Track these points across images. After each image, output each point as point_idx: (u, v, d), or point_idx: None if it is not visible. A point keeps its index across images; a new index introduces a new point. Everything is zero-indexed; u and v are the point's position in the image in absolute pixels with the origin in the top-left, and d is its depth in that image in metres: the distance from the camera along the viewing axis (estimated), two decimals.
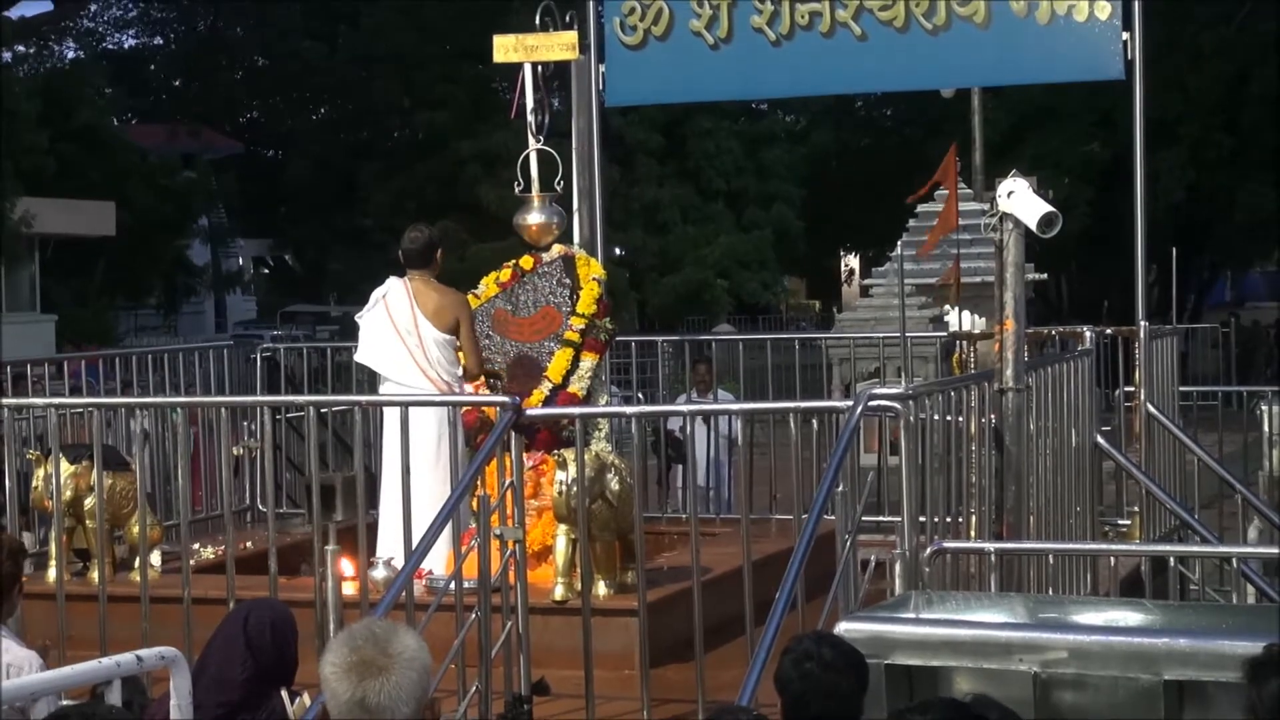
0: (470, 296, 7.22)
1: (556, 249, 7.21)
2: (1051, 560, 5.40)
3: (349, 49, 31.46)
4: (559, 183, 7.19)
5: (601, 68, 7.75)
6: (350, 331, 7.47)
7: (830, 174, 32.28)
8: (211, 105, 35.55)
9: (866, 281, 13.24)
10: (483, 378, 6.87)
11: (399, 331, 6.52)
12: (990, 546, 4.97)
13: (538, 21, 7.18)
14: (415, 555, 5.03)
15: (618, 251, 28.64)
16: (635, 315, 28.53)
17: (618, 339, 7.85)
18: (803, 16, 7.48)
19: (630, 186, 28.98)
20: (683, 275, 29.07)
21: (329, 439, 8.10)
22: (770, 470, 7.99)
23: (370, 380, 7.18)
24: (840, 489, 4.73)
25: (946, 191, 7.53)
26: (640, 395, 10.02)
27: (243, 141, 36.80)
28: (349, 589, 5.47)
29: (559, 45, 7.13)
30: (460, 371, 6.63)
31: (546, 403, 6.70)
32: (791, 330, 30.81)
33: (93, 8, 35.91)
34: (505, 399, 5.41)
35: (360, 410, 5.90)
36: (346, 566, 5.65)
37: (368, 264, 26.98)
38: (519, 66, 7.15)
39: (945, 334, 8.99)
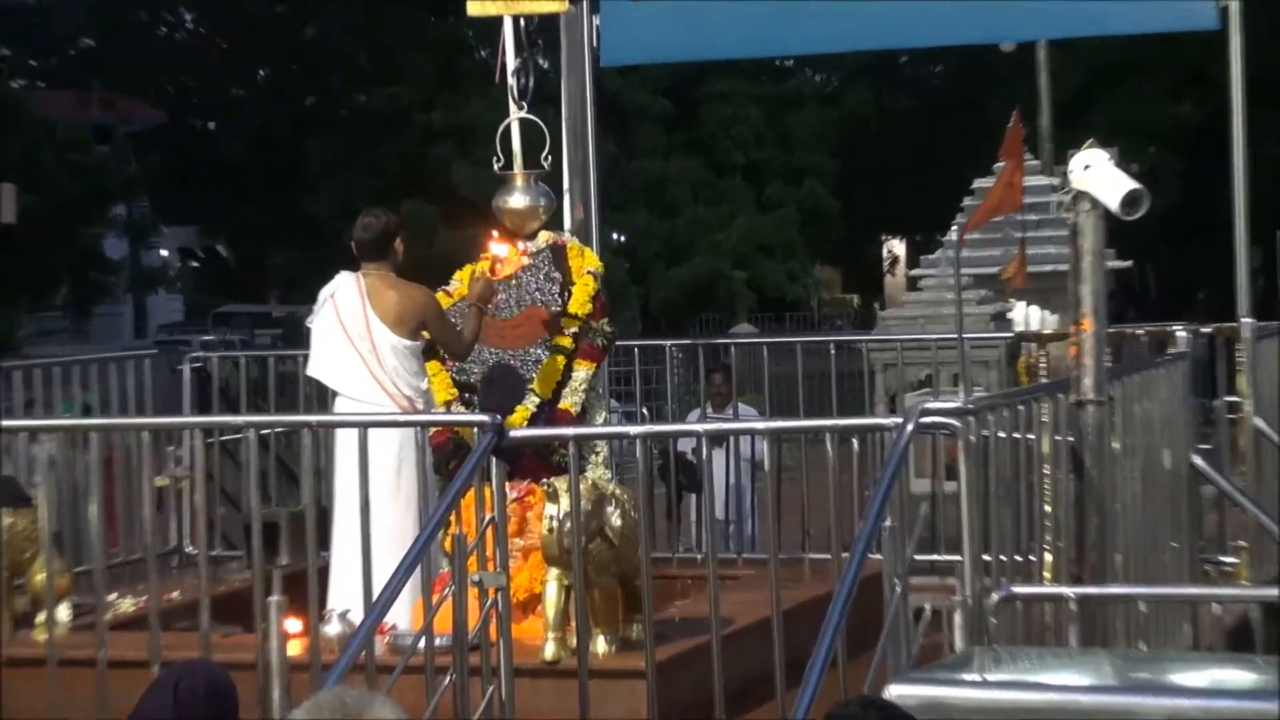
0: (441, 295, 7.18)
1: (544, 237, 7.20)
2: (1143, 608, 5.37)
3: (296, 2, 31.55)
4: (546, 158, 7.18)
5: (595, 21, 7.69)
6: (296, 335, 7.40)
7: (869, 143, 32.33)
8: (130, 68, 35.58)
9: (914, 271, 13.19)
10: (455, 392, 6.86)
11: (350, 337, 6.53)
12: (1069, 591, 4.94)
13: None
14: (377, 607, 5.00)
15: (616, 238, 28.67)
16: (638, 314, 28.58)
17: (618, 344, 7.83)
18: None
19: (631, 160, 29.03)
20: (694, 265, 29.15)
21: (272, 466, 8.07)
22: (802, 500, 7.94)
23: (321, 395, 7.17)
24: (887, 523, 4.71)
25: (1004, 164, 7.51)
26: (645, 411, 9.98)
27: (167, 112, 36.80)
28: (296, 648, 5.45)
29: None
30: (425, 384, 6.61)
31: (533, 421, 6.69)
32: (825, 331, 30.89)
33: None
34: (483, 417, 5.40)
35: (310, 432, 5.88)
36: (293, 622, 5.62)
37: (317, 256, 27.00)
38: (498, 22, 7.11)
39: (1010, 335, 8.97)
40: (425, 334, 6.66)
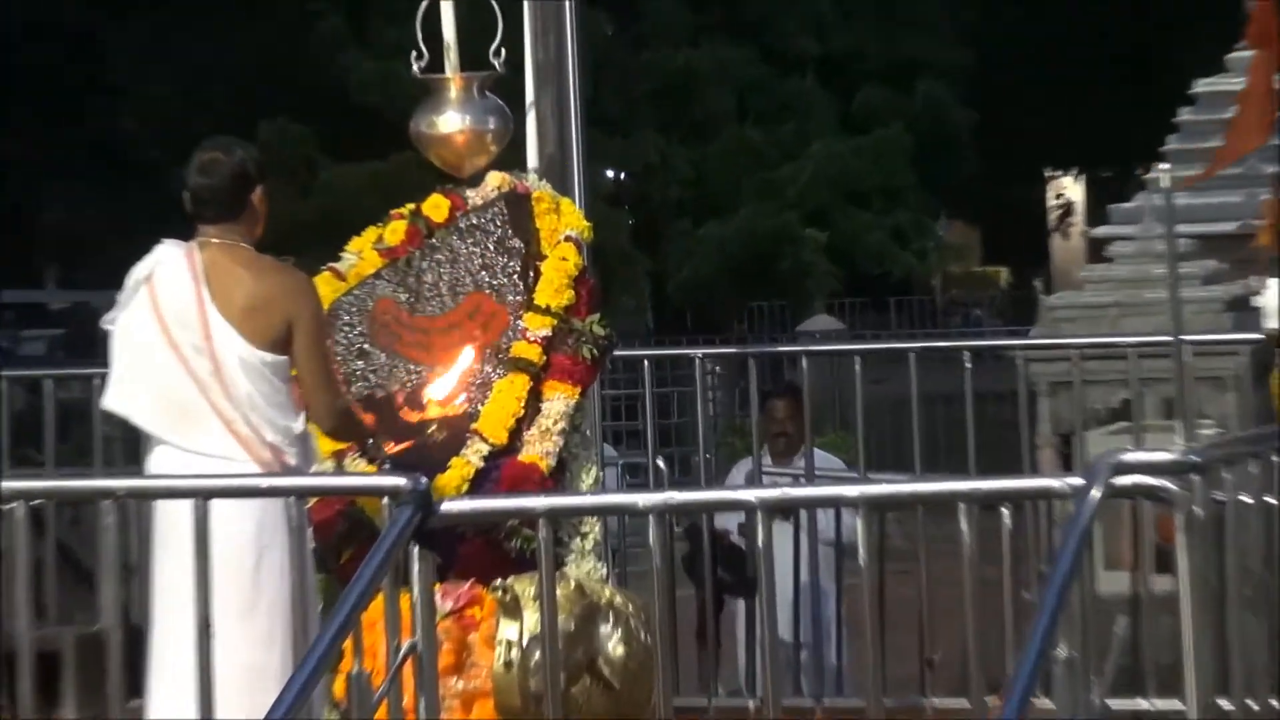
0: (324, 276, 7.24)
1: (494, 181, 7.25)
2: None
3: None
4: (498, 52, 7.23)
5: None
6: (88, 342, 7.43)
7: (1022, 24, 32.24)
8: None
9: (1099, 231, 13.24)
10: (346, 434, 6.85)
11: (176, 347, 6.53)
12: None
13: None
14: None
15: (614, 178, 28.60)
16: (649, 303, 28.54)
17: (616, 354, 7.84)
18: None
19: (637, 51, 29.02)
20: (740, 221, 29.09)
21: (49, 560, 8.08)
22: (920, 609, 7.92)
23: (131, 442, 7.21)
24: (1062, 651, 4.69)
25: (1250, 55, 7.55)
26: (661, 464, 9.98)
27: None
28: None
29: None
30: (300, 425, 6.63)
31: (477, 484, 6.73)
32: (954, 328, 30.80)
33: None
34: (398, 479, 5.38)
35: (114, 505, 5.86)
36: None
37: (123, 210, 27.02)
38: None
39: (1259, 335, 8.97)
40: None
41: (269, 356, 6.54)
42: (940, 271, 37.37)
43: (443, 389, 7.09)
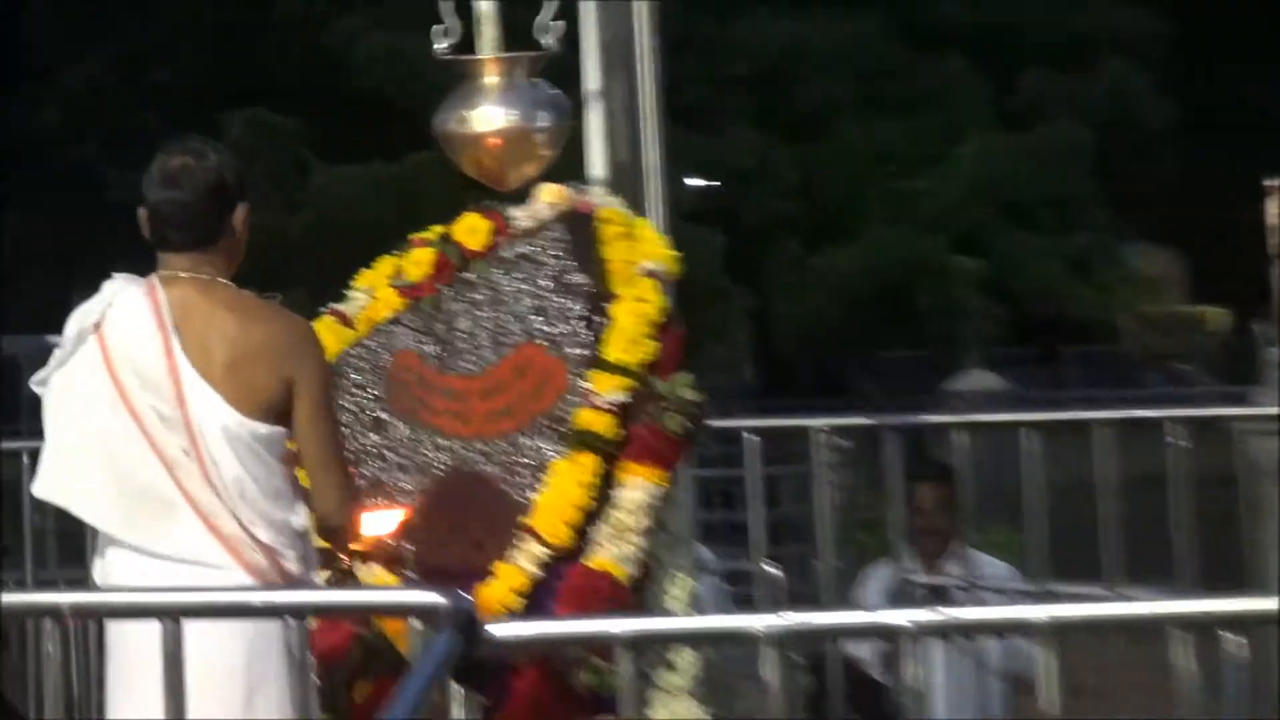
0: (326, 321, 7.38)
1: (549, 196, 7.33)
2: None
3: None
4: (548, 28, 7.24)
5: None
6: (8, 406, 7.65)
7: None
8: None
9: None
10: (359, 533, 6.87)
11: (138, 416, 6.56)
12: None
13: None
14: None
15: (703, 189, 28.64)
16: (748, 353, 28.54)
17: (709, 423, 7.82)
18: None
19: (728, 22, 29.13)
20: (866, 243, 29.14)
21: None
22: None
23: (71, 537, 7.34)
24: None
25: None
26: (773, 568, 9.99)
27: None
28: None
29: None
30: (302, 519, 6.62)
31: (533, 598, 6.78)
32: (1155, 389, 30.68)
33: None
34: (431, 595, 5.37)
35: (54, 626, 5.84)
36: None
37: (50, 226, 27.23)
38: None
39: None
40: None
41: (262, 428, 6.54)
42: (1132, 312, 37.28)
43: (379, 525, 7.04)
